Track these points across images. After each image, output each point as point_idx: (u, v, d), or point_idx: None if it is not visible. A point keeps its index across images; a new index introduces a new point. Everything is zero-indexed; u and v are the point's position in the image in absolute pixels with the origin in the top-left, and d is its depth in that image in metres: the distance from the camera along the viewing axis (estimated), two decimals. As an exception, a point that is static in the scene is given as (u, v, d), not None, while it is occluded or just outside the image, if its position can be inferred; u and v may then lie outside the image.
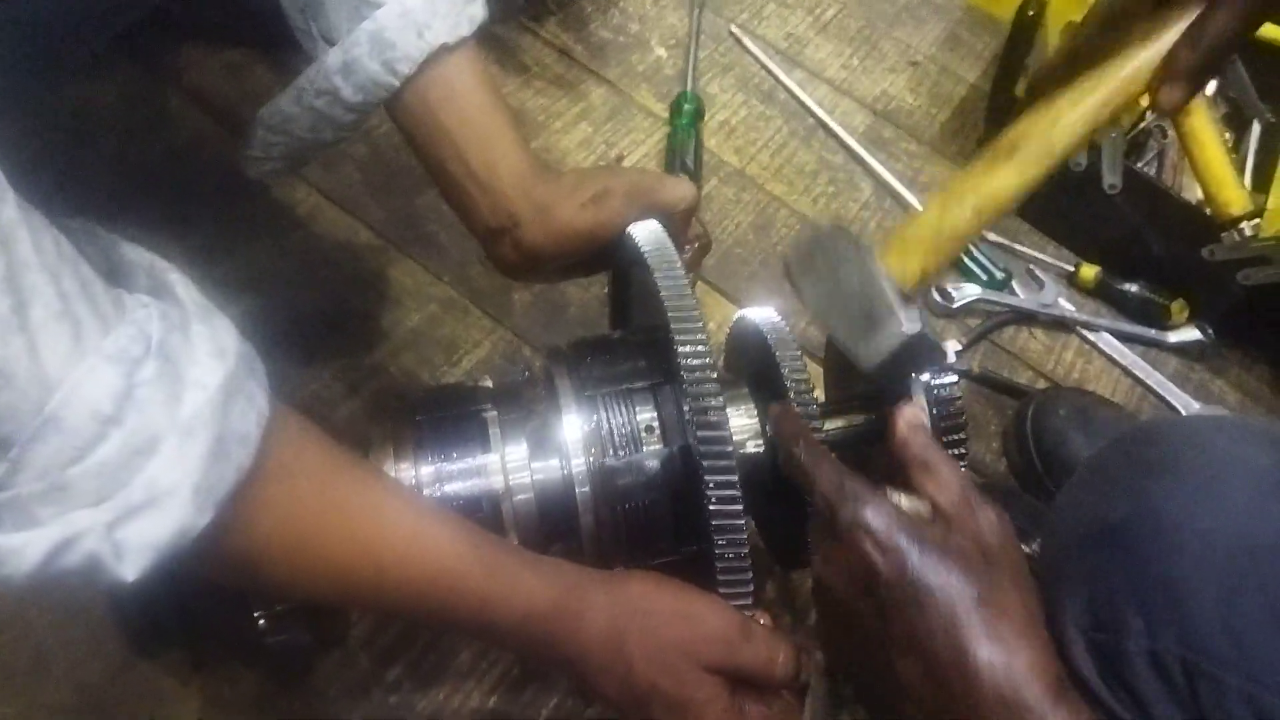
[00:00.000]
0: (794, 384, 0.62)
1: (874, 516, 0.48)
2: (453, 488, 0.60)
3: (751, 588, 0.56)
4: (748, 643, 0.55)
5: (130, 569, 0.40)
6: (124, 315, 0.40)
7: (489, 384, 0.68)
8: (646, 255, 0.62)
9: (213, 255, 0.93)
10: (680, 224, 0.70)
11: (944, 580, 0.46)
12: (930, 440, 0.54)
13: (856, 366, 0.57)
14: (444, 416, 0.63)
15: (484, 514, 0.59)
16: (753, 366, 0.69)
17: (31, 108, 0.66)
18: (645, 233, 0.64)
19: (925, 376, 0.63)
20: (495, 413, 0.63)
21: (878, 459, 0.63)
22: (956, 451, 0.63)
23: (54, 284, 0.37)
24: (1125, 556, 0.47)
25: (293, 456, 0.47)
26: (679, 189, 0.69)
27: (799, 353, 0.64)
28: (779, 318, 0.68)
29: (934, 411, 0.62)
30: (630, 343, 0.67)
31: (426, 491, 0.59)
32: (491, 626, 0.53)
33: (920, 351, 0.56)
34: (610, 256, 0.70)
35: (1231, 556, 0.48)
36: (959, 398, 0.63)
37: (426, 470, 0.60)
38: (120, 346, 0.39)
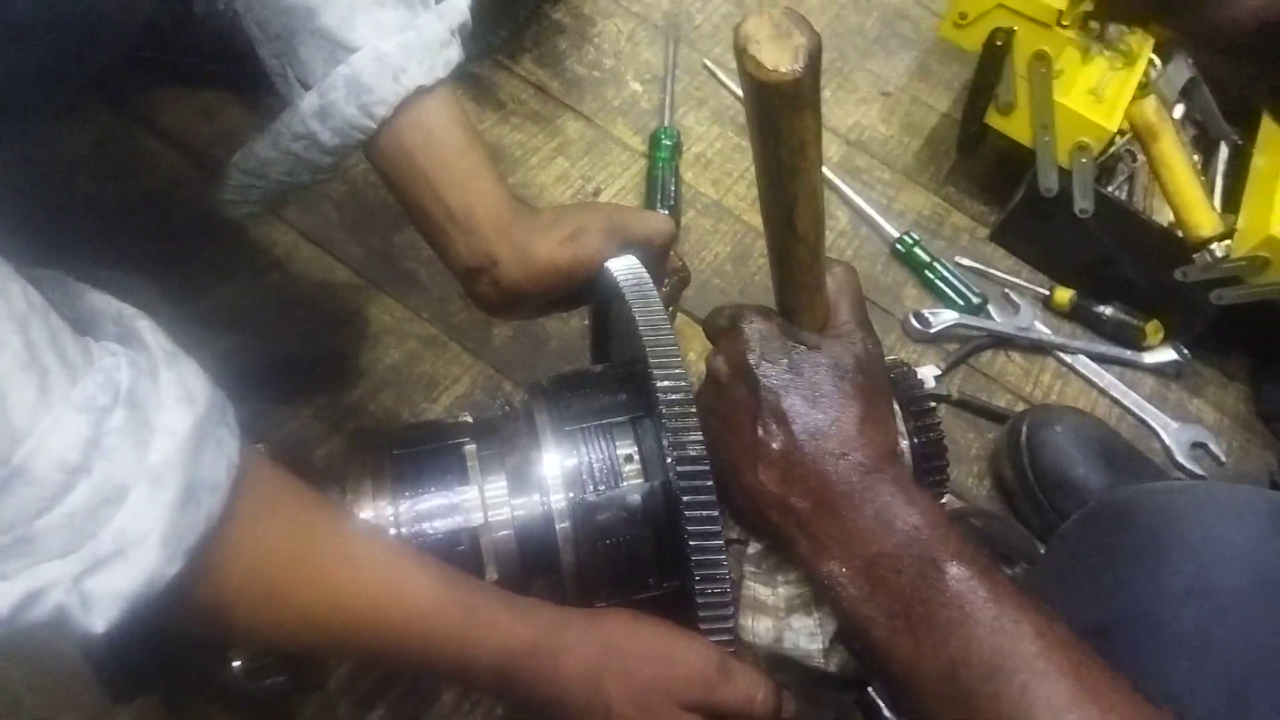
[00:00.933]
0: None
1: (764, 318, 0.56)
2: (431, 523, 0.59)
3: (733, 624, 0.55)
4: (727, 681, 0.55)
5: (99, 620, 0.39)
6: (92, 364, 0.40)
7: (468, 419, 0.67)
8: (624, 290, 0.62)
9: (190, 295, 0.92)
10: (658, 258, 0.70)
11: (810, 369, 0.53)
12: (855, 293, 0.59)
13: None
14: (422, 451, 0.62)
15: (463, 549, 0.59)
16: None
17: (4, 153, 0.66)
18: (623, 267, 0.65)
19: (906, 405, 0.63)
20: (474, 447, 0.62)
21: None
22: (937, 478, 0.63)
23: (21, 334, 0.37)
24: (1118, 658, 0.46)
25: (264, 503, 0.47)
26: (656, 223, 0.69)
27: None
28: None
29: (915, 441, 0.62)
30: (610, 376, 0.67)
31: (405, 527, 0.59)
32: (468, 669, 0.52)
33: None
34: (589, 292, 0.70)
35: (1234, 657, 0.47)
36: (938, 423, 0.63)
37: (404, 505, 0.59)
38: (88, 395, 0.39)
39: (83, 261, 0.48)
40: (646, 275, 0.64)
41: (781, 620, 0.55)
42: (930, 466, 0.62)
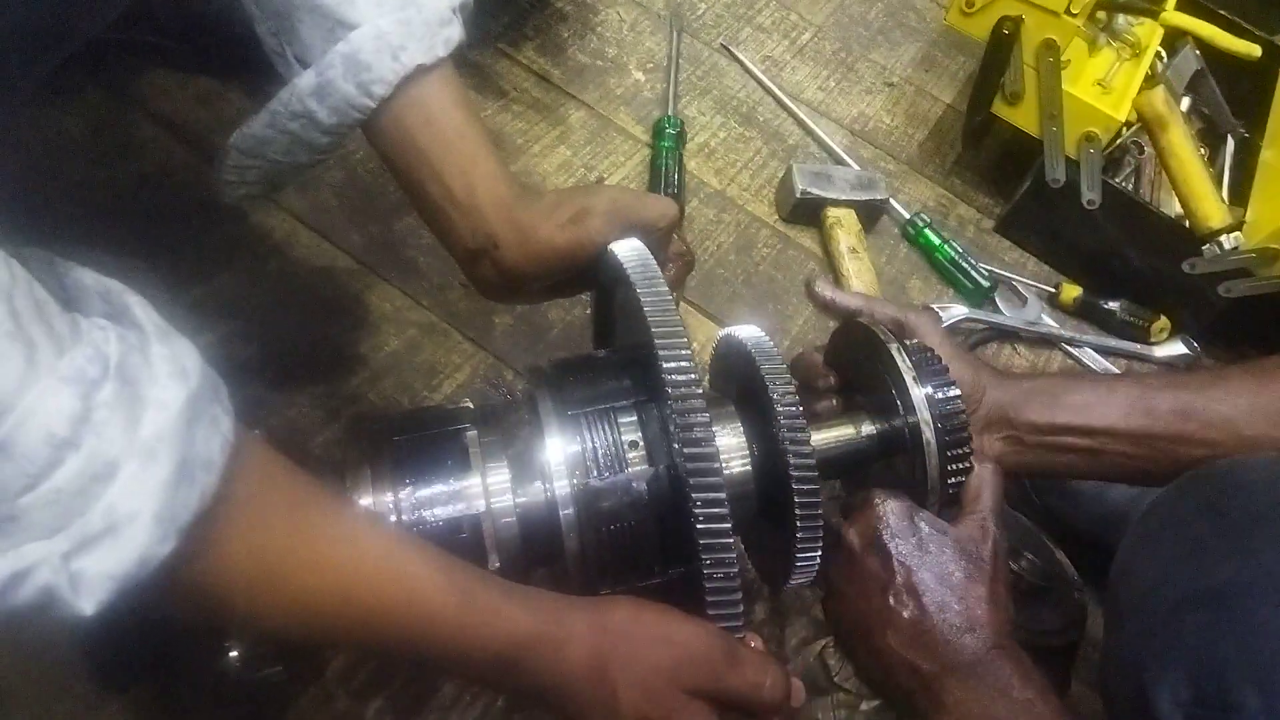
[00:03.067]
0: (780, 398, 0.60)
1: (895, 498, 0.61)
2: (432, 510, 0.58)
3: (741, 609, 0.54)
4: (734, 667, 0.54)
5: (88, 602, 0.37)
6: (80, 337, 0.38)
7: (470, 405, 0.66)
8: (629, 272, 0.61)
9: (187, 282, 0.91)
10: (662, 241, 0.69)
11: (938, 549, 0.60)
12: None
13: None
14: (423, 436, 0.61)
15: (465, 536, 0.57)
16: (739, 385, 0.67)
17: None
18: (627, 250, 0.63)
19: (929, 389, 0.62)
20: (476, 433, 0.61)
21: (879, 474, 0.63)
22: (962, 465, 0.62)
23: (5, 304, 0.36)
24: (1236, 624, 0.44)
25: (259, 484, 0.45)
26: (659, 206, 0.68)
27: (783, 366, 0.63)
28: (763, 334, 0.67)
29: (938, 426, 0.61)
30: (613, 361, 0.66)
31: (405, 514, 0.57)
32: (468, 658, 0.51)
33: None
34: (592, 276, 0.69)
35: None
36: (962, 410, 0.62)
37: (405, 492, 0.58)
38: (77, 367, 0.37)
39: (77, 246, 0.47)
40: (652, 258, 0.63)
41: None
42: (953, 454, 0.61)
